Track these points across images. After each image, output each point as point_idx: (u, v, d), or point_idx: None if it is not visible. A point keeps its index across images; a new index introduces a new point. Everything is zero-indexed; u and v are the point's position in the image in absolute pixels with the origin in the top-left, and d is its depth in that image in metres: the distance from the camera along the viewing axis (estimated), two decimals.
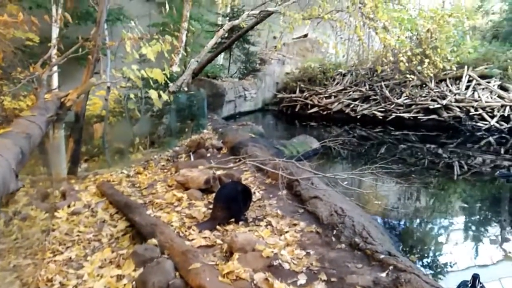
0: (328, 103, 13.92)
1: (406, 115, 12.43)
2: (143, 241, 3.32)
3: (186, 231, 3.54)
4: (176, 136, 7.60)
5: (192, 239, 3.36)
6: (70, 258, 3.32)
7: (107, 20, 8.54)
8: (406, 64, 9.65)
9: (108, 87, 6.77)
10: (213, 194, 4.18)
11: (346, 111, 13.54)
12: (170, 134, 7.53)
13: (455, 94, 11.97)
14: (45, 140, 4.82)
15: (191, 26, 11.92)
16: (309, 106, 14.33)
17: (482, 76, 12.19)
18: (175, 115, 7.87)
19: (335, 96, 13.98)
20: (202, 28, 12.88)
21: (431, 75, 11.22)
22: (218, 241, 3.36)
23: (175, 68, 9.73)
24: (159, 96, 6.01)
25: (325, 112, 13.92)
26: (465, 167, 8.48)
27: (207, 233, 3.48)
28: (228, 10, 14.00)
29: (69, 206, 4.31)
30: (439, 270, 4.34)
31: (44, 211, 4.06)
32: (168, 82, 7.33)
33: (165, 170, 5.74)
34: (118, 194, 4.43)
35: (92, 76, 5.59)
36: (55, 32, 8.50)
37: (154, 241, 3.15)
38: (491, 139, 10.79)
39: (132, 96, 6.55)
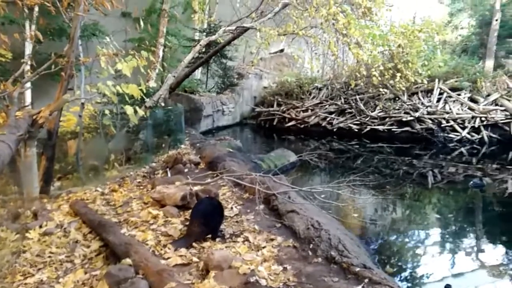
0: (305, 117, 14.12)
1: (380, 127, 12.76)
2: (117, 261, 3.25)
3: (161, 249, 3.49)
4: (153, 151, 7.52)
5: (168, 258, 3.31)
6: (42, 280, 3.21)
7: (82, 36, 8.50)
8: (379, 78, 9.92)
9: (82, 103, 6.67)
10: (190, 211, 4.15)
11: (323, 124, 13.78)
12: (146, 150, 7.44)
13: (427, 107, 12.38)
14: (16, 159, 4.70)
15: (168, 41, 11.94)
16: (286, 120, 14.50)
17: (453, 89, 12.66)
18: (152, 130, 7.79)
19: (311, 110, 14.20)
20: (179, 43, 12.93)
21: (403, 88, 11.59)
22: (195, 259, 3.32)
23: (152, 84, 9.68)
24: (135, 111, 5.95)
25: (302, 126, 14.11)
26: (439, 177, 8.72)
27: (183, 251, 3.44)
28: (205, 25, 14.13)
29: (40, 227, 4.18)
30: (415, 281, 4.42)
31: (15, 232, 3.93)
32: (144, 97, 7.28)
33: (141, 187, 5.66)
34: (91, 213, 4.34)
35: (65, 93, 5.49)
36: (28, 48, 8.37)
37: (128, 261, 3.09)
38: (463, 149, 11.15)
39: (107, 112, 6.46)
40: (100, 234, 3.80)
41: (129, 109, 5.83)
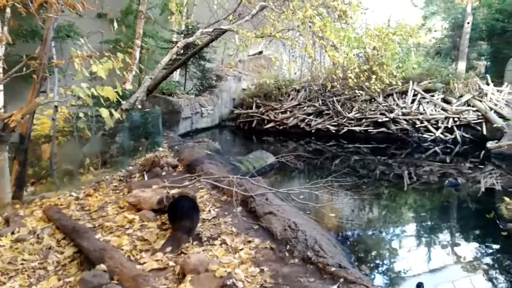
0: (283, 118, 14.20)
1: (357, 128, 12.99)
2: (92, 267, 3.20)
3: (137, 254, 3.46)
4: (129, 155, 7.42)
5: (144, 263, 3.29)
6: None
7: (56, 37, 8.31)
8: (355, 80, 10.09)
9: (56, 106, 6.52)
10: (167, 214, 4.13)
11: (301, 126, 13.90)
12: (123, 153, 7.33)
13: (401, 108, 12.67)
14: None
15: (145, 43, 11.81)
16: (265, 122, 14.55)
17: (426, 90, 12.99)
18: (128, 133, 7.68)
19: (290, 111, 14.30)
20: (157, 45, 12.81)
21: (379, 90, 11.83)
22: (171, 263, 3.30)
23: (128, 86, 9.56)
24: (111, 114, 5.86)
25: (281, 127, 14.19)
26: (414, 176, 8.92)
27: (159, 255, 3.41)
28: (183, 27, 14.04)
29: (13, 233, 4.07)
30: (391, 279, 4.50)
31: None
32: (121, 100, 7.17)
33: (117, 191, 5.58)
34: (65, 219, 4.26)
35: (38, 96, 5.36)
36: (0, 51, 8.13)
37: (103, 266, 3.05)
38: (437, 149, 11.46)
39: (81, 115, 6.33)
40: (74, 240, 3.73)
41: (104, 112, 5.72)
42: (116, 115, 5.85)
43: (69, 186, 5.95)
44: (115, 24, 6.47)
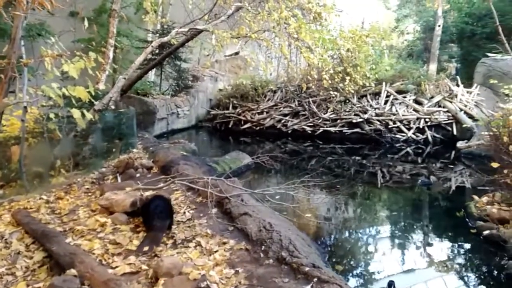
0: (260, 119, 14.24)
1: (332, 129, 13.17)
2: (62, 272, 3.12)
3: (109, 258, 3.40)
4: (102, 156, 7.27)
5: (116, 267, 3.23)
6: None
7: (26, 36, 8.06)
8: (329, 82, 10.24)
9: (25, 107, 6.32)
10: (140, 218, 4.08)
11: (278, 126, 13.97)
12: (96, 155, 7.17)
13: (375, 109, 12.93)
14: None
15: (119, 42, 11.60)
16: (242, 122, 14.54)
17: (399, 92, 13.28)
18: (101, 134, 7.52)
19: (267, 112, 14.35)
20: (131, 45, 12.60)
21: (353, 91, 12.05)
22: (144, 266, 3.26)
23: (102, 86, 9.36)
24: (83, 115, 5.73)
25: (258, 128, 14.22)
26: (387, 176, 9.12)
27: (132, 259, 3.37)
28: (158, 26, 13.87)
29: None
30: (364, 277, 4.57)
31: None
32: (93, 100, 7.02)
33: (89, 194, 5.46)
34: (34, 223, 4.13)
35: (6, 96, 5.21)
36: None
37: (73, 271, 2.98)
38: (409, 149, 11.74)
39: (52, 115, 6.16)
40: (44, 244, 3.63)
41: (76, 113, 5.60)
42: (89, 116, 5.73)
43: (39, 189, 5.78)
44: (86, 23, 6.33)
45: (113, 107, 8.18)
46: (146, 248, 3.48)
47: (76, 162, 6.82)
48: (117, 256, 3.47)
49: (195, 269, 3.10)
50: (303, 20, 8.73)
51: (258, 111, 14.46)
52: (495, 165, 5.30)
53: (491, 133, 6.17)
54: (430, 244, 5.55)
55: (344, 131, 13.07)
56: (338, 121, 13.19)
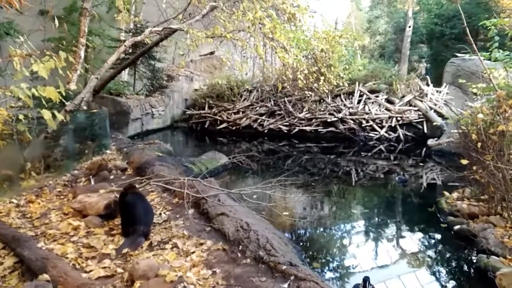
0: (236, 119, 14.24)
1: (308, 128, 13.33)
2: (34, 277, 3.03)
3: (83, 262, 3.32)
4: (74, 158, 7.09)
5: (90, 271, 3.16)
6: None
7: None
8: (304, 82, 10.34)
9: None
10: (115, 220, 4.00)
11: (254, 126, 14.01)
12: (67, 157, 6.98)
13: (349, 108, 13.17)
14: None
15: (91, 41, 11.33)
16: (218, 122, 14.50)
17: (371, 91, 13.59)
18: (73, 135, 7.33)
19: (243, 112, 14.37)
20: (104, 44, 12.34)
21: (327, 91, 12.22)
22: (119, 270, 3.20)
23: (73, 86, 9.11)
24: (53, 116, 5.57)
25: (234, 128, 14.22)
26: (361, 174, 9.30)
27: (106, 262, 3.30)
28: (131, 25, 13.63)
29: None
30: (341, 274, 4.64)
31: None
32: (64, 101, 6.83)
33: (62, 197, 5.31)
34: (4, 227, 3.98)
35: None
36: None
37: (45, 276, 2.91)
38: (382, 147, 12.01)
39: (21, 117, 5.96)
40: (15, 249, 3.51)
41: (46, 114, 5.42)
42: (60, 117, 5.56)
43: (9, 192, 5.58)
44: (56, 22, 6.16)
45: (85, 107, 7.99)
46: (125, 250, 3.42)
47: (47, 165, 6.62)
48: (92, 259, 3.39)
49: (172, 271, 3.07)
50: (278, 21, 8.77)
51: (234, 111, 14.46)
52: (464, 162, 5.46)
53: (460, 131, 6.36)
54: (403, 240, 5.69)
55: (319, 130, 13.27)
56: (313, 120, 13.36)
